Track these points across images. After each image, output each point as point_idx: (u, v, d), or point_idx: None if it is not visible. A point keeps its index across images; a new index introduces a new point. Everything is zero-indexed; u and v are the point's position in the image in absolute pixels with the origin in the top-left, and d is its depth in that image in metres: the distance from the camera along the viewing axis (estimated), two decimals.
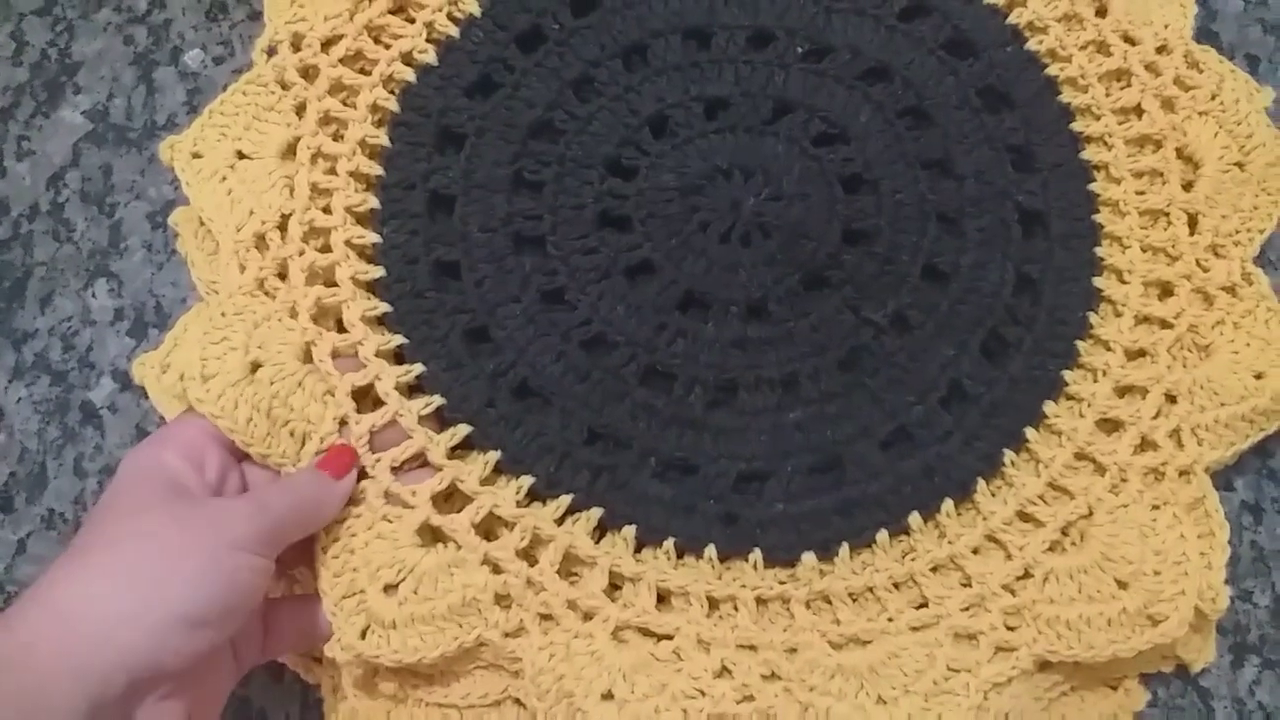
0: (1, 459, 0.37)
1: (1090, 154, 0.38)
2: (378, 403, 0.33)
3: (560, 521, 0.32)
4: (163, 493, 0.28)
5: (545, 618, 0.31)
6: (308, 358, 0.33)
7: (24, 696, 0.23)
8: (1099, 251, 0.37)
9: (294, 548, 0.30)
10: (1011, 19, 0.40)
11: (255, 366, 0.32)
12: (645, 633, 0.31)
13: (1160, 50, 0.39)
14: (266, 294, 0.34)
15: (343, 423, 0.32)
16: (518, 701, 0.32)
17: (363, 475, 0.32)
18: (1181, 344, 0.36)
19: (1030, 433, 0.34)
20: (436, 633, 0.30)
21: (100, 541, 0.27)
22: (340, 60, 0.38)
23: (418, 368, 0.34)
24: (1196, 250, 0.37)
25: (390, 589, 0.31)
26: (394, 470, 0.32)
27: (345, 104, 0.37)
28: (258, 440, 0.31)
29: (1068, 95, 0.39)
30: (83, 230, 0.40)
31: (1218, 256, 0.37)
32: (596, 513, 0.32)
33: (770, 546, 0.32)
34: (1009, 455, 0.34)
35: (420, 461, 0.33)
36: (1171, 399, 0.35)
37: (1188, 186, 0.38)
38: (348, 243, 0.35)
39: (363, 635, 0.30)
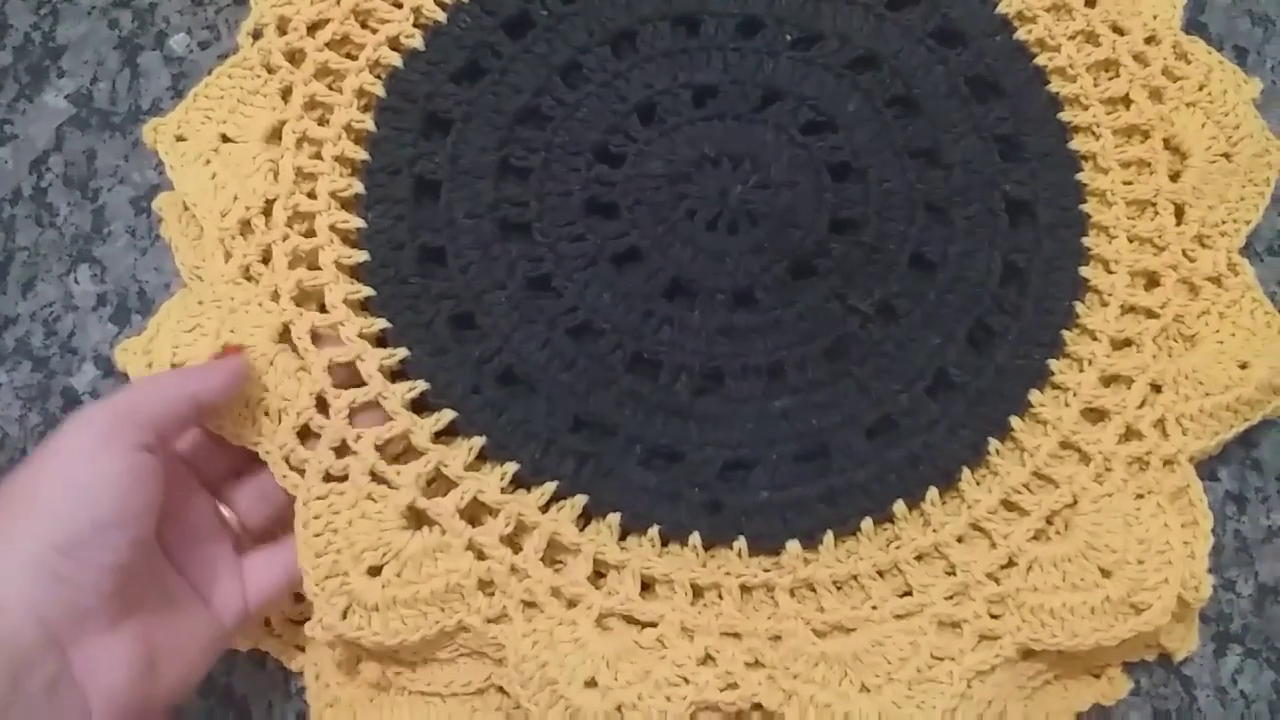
0: None
1: (1078, 144, 0.38)
2: (359, 384, 0.33)
3: (545, 508, 0.32)
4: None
5: (529, 605, 0.31)
6: (285, 340, 0.33)
7: None
8: (1086, 241, 0.37)
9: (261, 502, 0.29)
10: (1000, 8, 0.40)
11: (225, 349, 0.32)
12: (629, 620, 0.31)
13: (1149, 41, 0.39)
14: (250, 279, 0.34)
15: (321, 399, 0.32)
16: (501, 689, 0.32)
17: (346, 452, 0.32)
18: (1167, 334, 0.36)
19: (1016, 422, 0.34)
20: (418, 616, 0.30)
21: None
22: (326, 44, 0.37)
23: (401, 352, 0.34)
24: (1183, 240, 0.37)
25: (374, 571, 0.30)
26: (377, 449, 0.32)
27: (331, 88, 0.37)
28: (232, 421, 0.31)
29: (1056, 85, 0.39)
30: (66, 215, 0.40)
31: (1204, 247, 0.37)
32: (581, 500, 0.32)
33: (755, 534, 0.32)
34: (994, 444, 0.34)
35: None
36: (1157, 389, 0.35)
37: (1175, 177, 0.38)
38: (332, 227, 0.35)
39: (344, 616, 0.30)
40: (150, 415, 0.27)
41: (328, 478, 0.31)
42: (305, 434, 0.32)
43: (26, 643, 0.23)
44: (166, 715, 0.27)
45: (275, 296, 0.33)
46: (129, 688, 0.25)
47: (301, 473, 0.31)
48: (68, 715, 0.24)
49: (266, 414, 0.31)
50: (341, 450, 0.32)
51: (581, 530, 0.32)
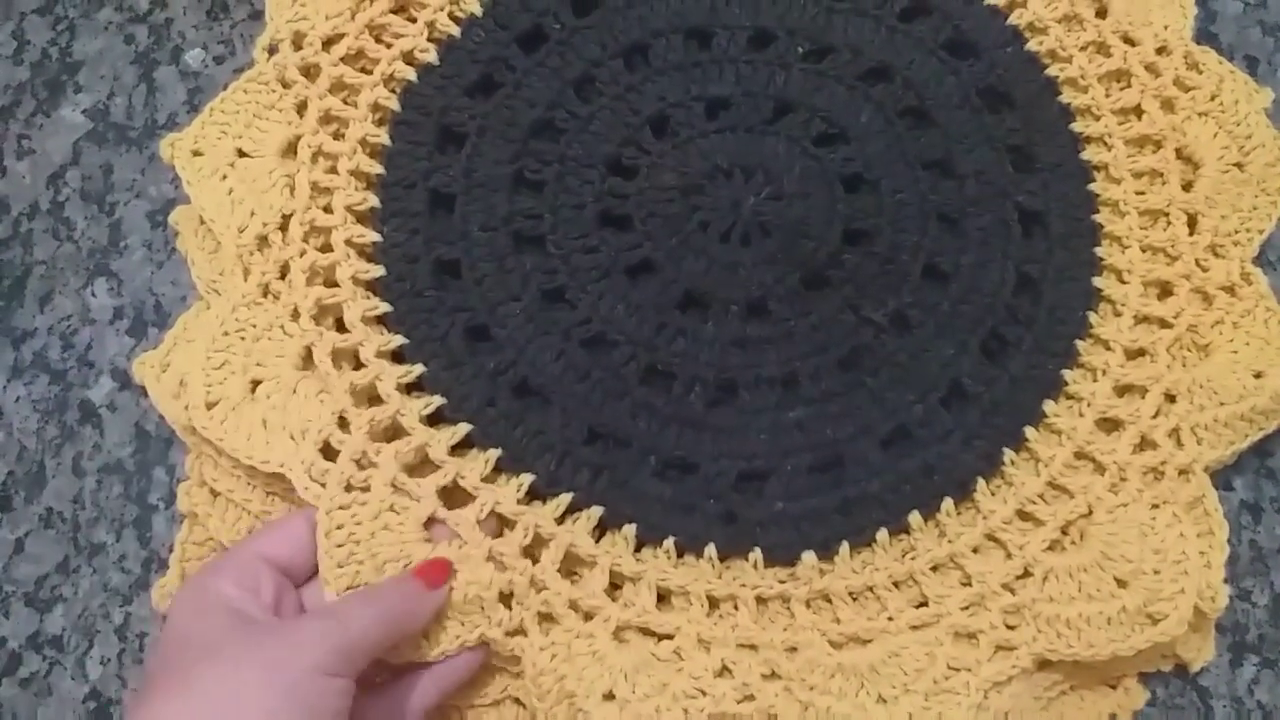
0: (0, 457, 0.37)
1: (1090, 154, 0.38)
2: (378, 400, 0.33)
3: (560, 520, 0.32)
4: (229, 621, 0.27)
5: (545, 617, 0.31)
6: (308, 359, 0.33)
7: None
8: (1099, 251, 0.37)
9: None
10: (1012, 19, 0.40)
11: (255, 384, 0.32)
12: (646, 632, 0.31)
13: (1160, 51, 0.39)
14: (270, 296, 0.34)
15: (342, 419, 0.32)
16: (517, 701, 0.32)
17: (367, 464, 0.32)
18: (1181, 343, 0.36)
19: (1030, 432, 0.34)
20: (440, 630, 0.30)
21: (173, 682, 0.25)
22: (341, 59, 0.38)
23: (418, 368, 0.34)
24: (1196, 250, 0.37)
25: None
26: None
27: (346, 102, 0.37)
28: (258, 450, 0.31)
29: (1068, 95, 0.39)
30: (83, 229, 0.40)
31: (1217, 256, 0.37)
32: (597, 511, 0.32)
33: (770, 545, 0.32)
34: (1009, 454, 0.34)
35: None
36: (1171, 398, 0.35)
37: (1187, 187, 0.38)
38: (348, 241, 0.35)
39: None
40: (370, 653, 0.28)
41: (349, 488, 0.31)
42: (328, 451, 0.32)
43: None
44: None
45: (295, 315, 0.34)
46: None
47: (323, 484, 0.31)
48: None
49: (291, 436, 0.32)
50: (363, 462, 0.32)
51: (597, 542, 0.32)
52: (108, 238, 0.40)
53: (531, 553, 0.32)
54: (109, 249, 0.40)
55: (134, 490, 0.37)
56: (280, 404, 0.32)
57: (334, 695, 0.26)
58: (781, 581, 0.32)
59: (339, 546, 0.30)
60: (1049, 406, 0.35)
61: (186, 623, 0.27)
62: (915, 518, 0.33)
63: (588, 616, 0.31)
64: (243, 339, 0.33)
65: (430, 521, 0.31)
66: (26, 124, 0.41)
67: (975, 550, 0.33)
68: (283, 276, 0.35)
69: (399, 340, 0.34)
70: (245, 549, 0.29)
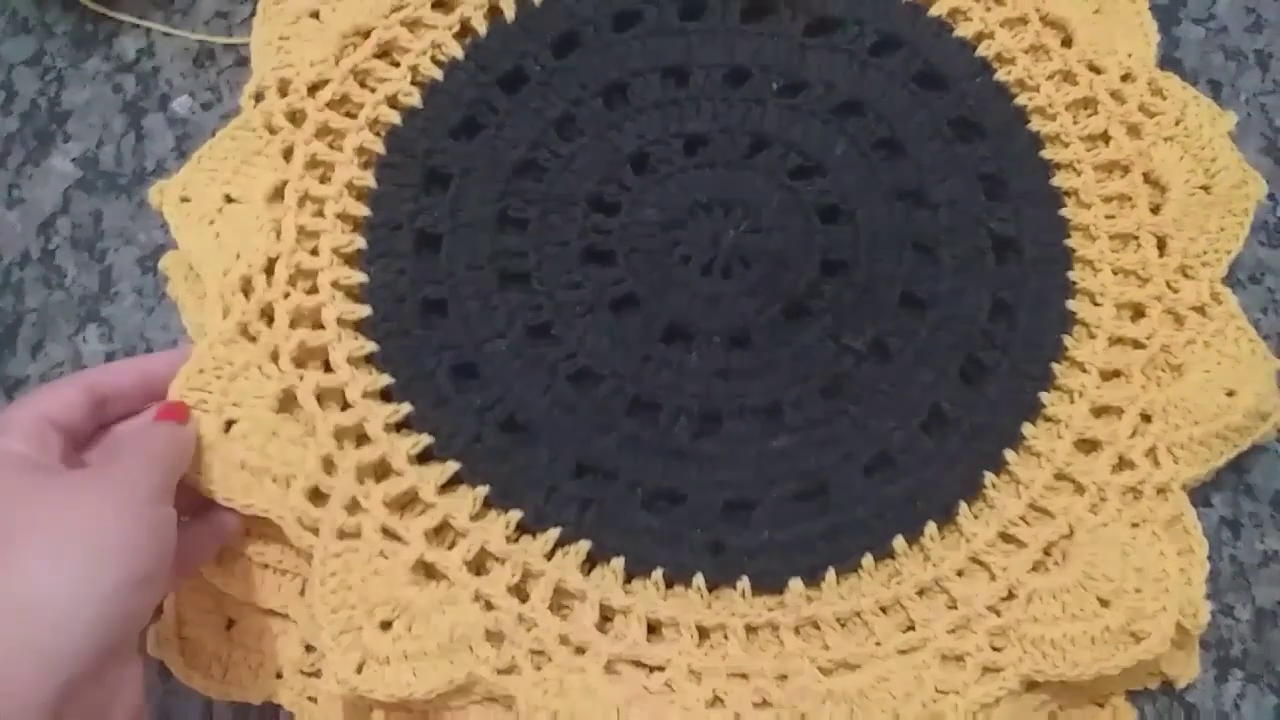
0: None
1: (1060, 180, 0.39)
2: (365, 439, 0.34)
3: (550, 555, 0.33)
4: (34, 477, 0.28)
5: (537, 654, 0.31)
6: (288, 402, 0.34)
7: None
8: (1071, 275, 0.38)
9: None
10: (980, 51, 0.41)
11: (229, 424, 0.32)
12: (637, 665, 0.32)
13: (1125, 78, 0.40)
14: (249, 338, 0.34)
15: (328, 461, 0.33)
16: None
17: (357, 509, 0.32)
18: (1155, 364, 0.36)
19: (1010, 455, 0.35)
20: (429, 669, 0.30)
21: (11, 528, 0.26)
22: (327, 104, 0.38)
23: (405, 408, 0.34)
24: (1166, 272, 0.38)
25: (385, 625, 0.31)
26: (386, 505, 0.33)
27: (332, 147, 0.38)
28: (238, 493, 0.31)
29: (1037, 124, 0.40)
30: (73, 276, 0.40)
31: (1187, 278, 0.38)
32: (585, 545, 0.33)
33: (758, 574, 0.33)
34: (990, 477, 0.35)
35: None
36: (1147, 418, 0.36)
37: (1156, 210, 0.39)
38: (335, 283, 0.36)
39: (358, 670, 0.30)
40: (174, 485, 0.29)
41: (341, 534, 0.32)
42: (315, 494, 0.32)
43: (84, 672, 0.25)
44: None
45: (274, 357, 0.34)
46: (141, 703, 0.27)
47: (315, 531, 0.31)
48: None
49: (274, 480, 0.32)
50: (352, 507, 0.32)
51: (586, 576, 0.33)
52: (98, 284, 0.40)
53: (521, 589, 0.32)
54: (100, 295, 0.40)
55: None
56: (259, 446, 0.32)
57: (169, 523, 0.28)
58: (770, 609, 0.33)
59: (333, 593, 0.31)
60: (1028, 429, 0.35)
61: None
62: (900, 542, 0.34)
63: (579, 651, 0.31)
64: (218, 378, 0.33)
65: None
66: (17, 173, 0.42)
67: (960, 573, 0.33)
68: (268, 321, 0.35)
69: (386, 380, 0.35)
70: (26, 410, 0.29)
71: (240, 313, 0.34)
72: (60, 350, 0.39)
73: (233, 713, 0.34)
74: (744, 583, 0.33)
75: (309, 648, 0.33)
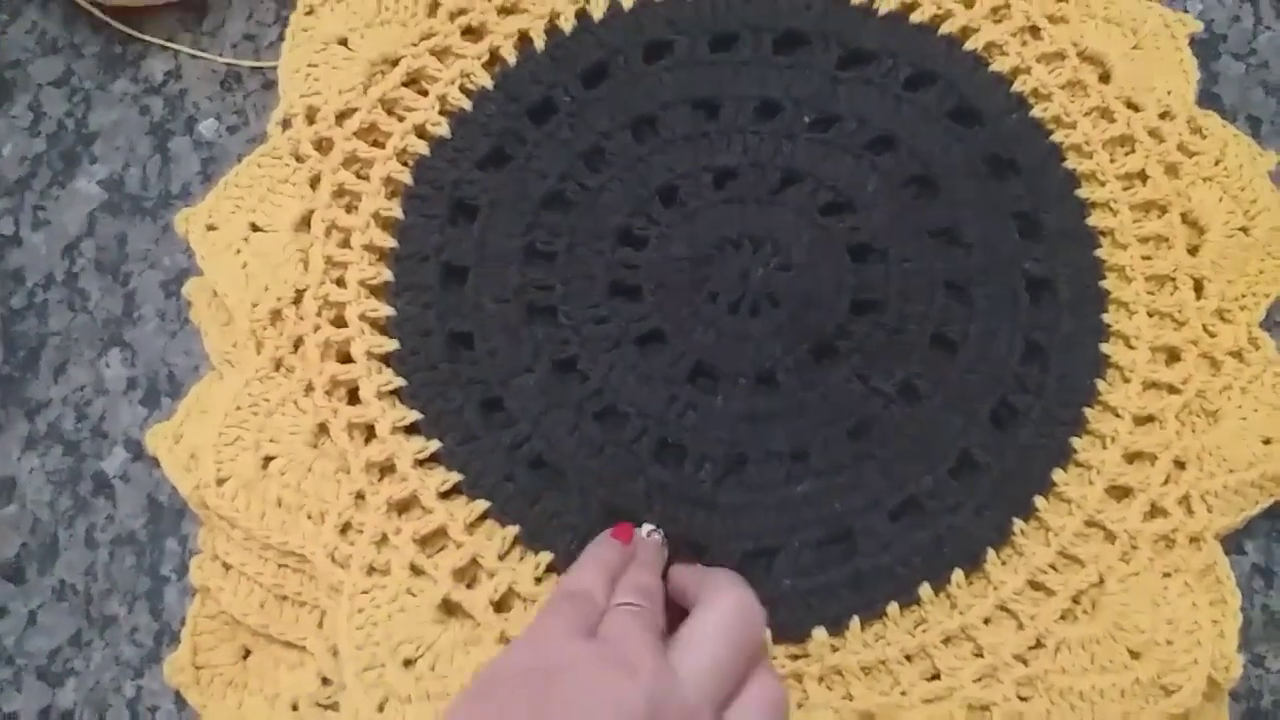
0: (14, 529, 0.38)
1: (1096, 220, 0.39)
2: (393, 471, 0.33)
3: None
4: None
5: None
6: (320, 435, 0.33)
7: None
8: (1106, 318, 0.37)
9: None
10: (1016, 86, 0.40)
11: (267, 461, 0.32)
12: None
13: (1163, 116, 0.40)
14: (282, 370, 0.34)
15: (359, 496, 0.33)
16: None
17: (385, 544, 0.32)
18: (1189, 410, 0.36)
19: (1040, 501, 0.35)
20: None
21: None
22: (354, 133, 0.38)
23: (434, 444, 0.34)
24: (1203, 315, 0.37)
25: (409, 663, 0.31)
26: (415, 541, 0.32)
27: (359, 176, 0.38)
28: (275, 530, 0.31)
29: (1073, 161, 0.39)
30: (97, 299, 0.40)
31: (1224, 321, 0.37)
32: None
33: (781, 623, 0.32)
34: (1019, 524, 0.34)
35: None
36: (1180, 465, 0.35)
37: (1193, 251, 0.38)
38: (362, 316, 0.36)
39: (380, 709, 0.30)
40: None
41: (370, 570, 0.31)
42: (345, 529, 0.32)
43: None
44: None
45: (309, 390, 0.34)
46: None
47: (344, 566, 0.31)
48: None
49: (309, 517, 0.32)
50: (382, 543, 0.32)
51: None
52: (122, 308, 0.40)
53: None
54: (123, 319, 0.40)
55: (146, 562, 0.37)
56: (294, 483, 0.32)
57: None
58: (793, 658, 0.32)
59: (359, 629, 0.30)
60: (1058, 475, 0.35)
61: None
62: (926, 590, 0.33)
63: None
64: (255, 414, 0.33)
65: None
66: (42, 195, 0.42)
67: (987, 621, 0.33)
68: (296, 350, 0.35)
69: (414, 415, 0.35)
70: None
71: (274, 347, 0.34)
72: (83, 374, 0.39)
73: None
74: (766, 632, 0.32)
75: (325, 680, 0.33)
